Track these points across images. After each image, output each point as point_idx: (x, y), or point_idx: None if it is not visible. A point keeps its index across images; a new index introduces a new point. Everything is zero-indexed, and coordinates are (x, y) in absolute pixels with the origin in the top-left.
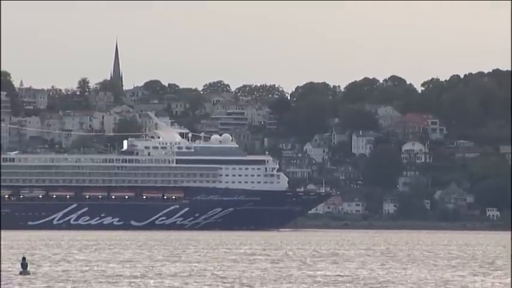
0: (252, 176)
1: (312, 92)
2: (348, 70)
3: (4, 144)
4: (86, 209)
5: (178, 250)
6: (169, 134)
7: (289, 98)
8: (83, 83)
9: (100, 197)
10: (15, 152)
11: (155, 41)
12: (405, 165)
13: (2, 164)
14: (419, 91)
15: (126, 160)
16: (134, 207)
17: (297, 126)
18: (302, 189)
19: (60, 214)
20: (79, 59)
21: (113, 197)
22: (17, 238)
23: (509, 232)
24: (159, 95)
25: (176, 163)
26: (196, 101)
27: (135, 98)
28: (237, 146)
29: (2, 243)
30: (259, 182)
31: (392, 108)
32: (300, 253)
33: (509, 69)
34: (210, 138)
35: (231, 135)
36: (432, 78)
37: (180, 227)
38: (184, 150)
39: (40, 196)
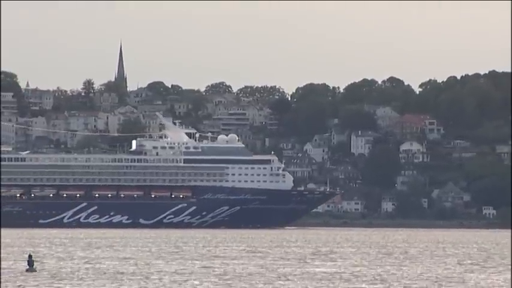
0: (258, 175)
1: (312, 92)
2: (347, 71)
3: (11, 144)
4: (96, 207)
5: (174, 248)
6: (177, 134)
7: (289, 98)
8: (88, 84)
9: (109, 195)
10: (27, 152)
11: (158, 43)
12: (403, 164)
13: (14, 163)
14: (417, 92)
15: (134, 160)
16: (143, 206)
17: (297, 126)
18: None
19: (70, 212)
20: (84, 60)
21: (122, 195)
22: (21, 236)
23: (505, 230)
24: (163, 96)
25: (184, 163)
26: (199, 102)
27: (139, 98)
28: (243, 146)
29: (9, 241)
30: (265, 181)
31: (390, 109)
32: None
33: (506, 70)
34: (217, 138)
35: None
36: (430, 80)
37: (188, 225)
38: (191, 150)
39: (51, 195)
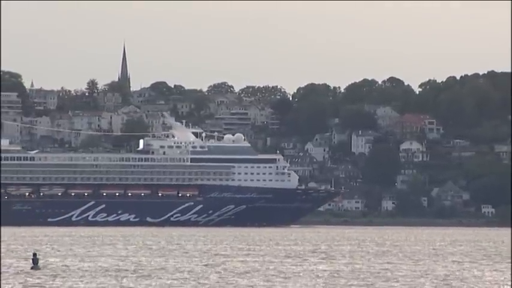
0: (264, 174)
1: (313, 92)
2: (347, 72)
3: (16, 143)
4: (104, 206)
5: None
6: (184, 134)
7: (291, 98)
8: (92, 84)
9: (117, 194)
10: (36, 151)
11: (161, 44)
12: (403, 163)
13: (23, 162)
14: (417, 92)
15: (142, 159)
16: (150, 205)
17: (298, 126)
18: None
19: (78, 211)
20: (88, 61)
21: (130, 194)
22: (23, 235)
23: (504, 228)
24: (165, 96)
25: (190, 162)
26: (201, 102)
27: (142, 98)
28: (249, 145)
29: (13, 239)
30: (270, 180)
31: (390, 109)
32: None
33: (504, 71)
34: (223, 137)
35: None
36: (429, 80)
37: (194, 224)
38: (198, 149)
39: (59, 194)
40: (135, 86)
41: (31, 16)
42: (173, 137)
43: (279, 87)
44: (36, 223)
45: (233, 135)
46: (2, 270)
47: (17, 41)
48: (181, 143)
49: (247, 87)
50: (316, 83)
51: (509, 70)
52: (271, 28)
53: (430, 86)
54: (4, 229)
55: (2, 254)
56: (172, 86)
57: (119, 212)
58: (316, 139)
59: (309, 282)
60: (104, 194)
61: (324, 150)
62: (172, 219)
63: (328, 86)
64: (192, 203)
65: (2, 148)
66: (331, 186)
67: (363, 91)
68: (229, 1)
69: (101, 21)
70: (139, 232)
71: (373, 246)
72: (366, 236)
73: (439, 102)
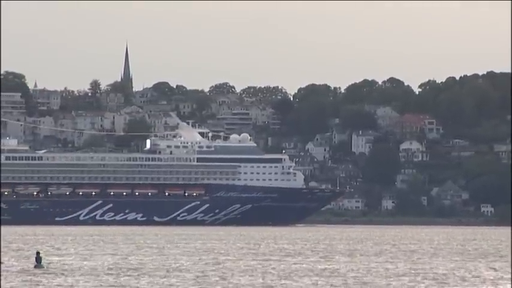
0: (270, 173)
1: (313, 93)
2: (348, 72)
3: (19, 142)
4: (111, 205)
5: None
6: (190, 134)
7: (291, 99)
8: (95, 85)
9: (124, 193)
10: (44, 151)
11: (164, 44)
12: (403, 163)
13: (31, 162)
14: (417, 92)
15: (149, 159)
16: (157, 204)
17: (299, 126)
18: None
19: (86, 210)
20: (91, 61)
21: (137, 193)
22: (26, 234)
23: (503, 227)
24: (167, 96)
25: (197, 161)
26: (203, 102)
27: (145, 99)
28: (255, 145)
29: (17, 238)
30: (276, 180)
31: (390, 109)
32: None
33: (504, 71)
34: (229, 137)
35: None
36: (429, 80)
37: (201, 223)
38: (204, 149)
39: (67, 193)
40: (137, 86)
41: (35, 16)
42: (180, 137)
43: (280, 87)
44: (44, 222)
45: (239, 135)
46: (5, 268)
47: (20, 42)
48: (187, 143)
49: (249, 87)
50: (317, 83)
51: (509, 70)
52: (272, 29)
53: (429, 86)
54: (11, 228)
55: (4, 253)
56: (174, 87)
57: (126, 211)
58: (317, 139)
59: (308, 281)
60: (112, 193)
61: (325, 150)
62: (178, 218)
63: (329, 87)
64: (199, 202)
65: (10, 148)
66: (332, 186)
67: (363, 91)
68: (230, 1)
69: (104, 21)
70: (141, 231)
71: (372, 245)
72: (366, 235)
73: (438, 102)
